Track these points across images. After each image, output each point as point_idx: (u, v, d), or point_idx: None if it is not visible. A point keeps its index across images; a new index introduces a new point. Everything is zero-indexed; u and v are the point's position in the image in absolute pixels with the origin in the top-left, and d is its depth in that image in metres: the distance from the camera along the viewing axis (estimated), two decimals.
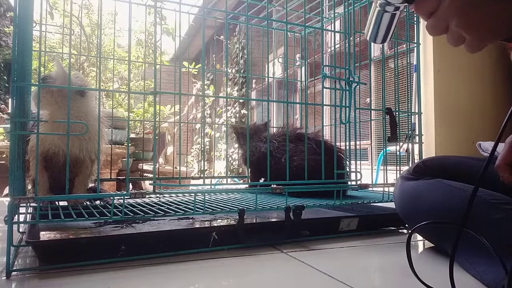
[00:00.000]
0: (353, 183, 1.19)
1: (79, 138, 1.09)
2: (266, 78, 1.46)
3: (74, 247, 0.82)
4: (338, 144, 1.28)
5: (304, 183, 1.12)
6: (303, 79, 1.83)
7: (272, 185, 1.06)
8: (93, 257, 0.80)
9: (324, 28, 1.37)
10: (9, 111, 3.68)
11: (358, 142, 1.22)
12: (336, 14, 1.43)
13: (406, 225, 1.15)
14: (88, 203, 1.13)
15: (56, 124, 1.07)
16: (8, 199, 0.80)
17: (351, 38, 1.21)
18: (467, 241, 0.67)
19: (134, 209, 1.02)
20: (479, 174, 0.49)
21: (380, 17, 0.62)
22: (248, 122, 1.45)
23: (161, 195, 1.29)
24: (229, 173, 4.01)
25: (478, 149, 0.95)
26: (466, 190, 0.77)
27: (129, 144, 3.02)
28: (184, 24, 2.23)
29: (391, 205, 1.08)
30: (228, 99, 5.06)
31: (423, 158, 1.21)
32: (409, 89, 1.83)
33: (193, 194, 1.07)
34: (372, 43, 0.67)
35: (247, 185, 1.68)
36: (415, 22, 1.39)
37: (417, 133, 1.32)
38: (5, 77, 7.02)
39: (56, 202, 1.07)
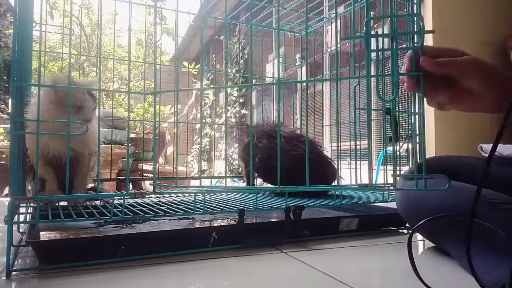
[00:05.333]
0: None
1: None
2: (266, 78, 1.46)
3: (74, 247, 0.82)
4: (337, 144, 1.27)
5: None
6: (303, 79, 1.83)
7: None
8: (93, 257, 0.80)
9: (324, 28, 1.36)
10: (9, 111, 3.68)
11: (358, 142, 1.22)
12: (336, 14, 1.43)
13: (407, 225, 1.15)
14: (88, 203, 1.13)
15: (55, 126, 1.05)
16: (8, 199, 0.80)
17: None
18: (465, 241, 0.67)
19: (134, 209, 1.02)
20: (482, 176, 0.49)
21: None
22: (251, 123, 1.42)
23: (161, 195, 1.29)
24: (229, 173, 4.01)
25: (480, 152, 0.95)
26: (467, 190, 0.77)
27: (129, 144, 3.02)
28: (184, 24, 2.23)
29: (391, 205, 1.08)
30: (228, 100, 5.06)
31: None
32: None
33: (193, 194, 1.07)
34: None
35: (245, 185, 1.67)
36: (415, 22, 1.39)
37: (417, 133, 1.31)
38: (5, 77, 7.03)
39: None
